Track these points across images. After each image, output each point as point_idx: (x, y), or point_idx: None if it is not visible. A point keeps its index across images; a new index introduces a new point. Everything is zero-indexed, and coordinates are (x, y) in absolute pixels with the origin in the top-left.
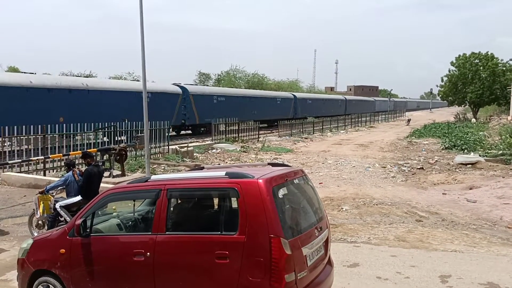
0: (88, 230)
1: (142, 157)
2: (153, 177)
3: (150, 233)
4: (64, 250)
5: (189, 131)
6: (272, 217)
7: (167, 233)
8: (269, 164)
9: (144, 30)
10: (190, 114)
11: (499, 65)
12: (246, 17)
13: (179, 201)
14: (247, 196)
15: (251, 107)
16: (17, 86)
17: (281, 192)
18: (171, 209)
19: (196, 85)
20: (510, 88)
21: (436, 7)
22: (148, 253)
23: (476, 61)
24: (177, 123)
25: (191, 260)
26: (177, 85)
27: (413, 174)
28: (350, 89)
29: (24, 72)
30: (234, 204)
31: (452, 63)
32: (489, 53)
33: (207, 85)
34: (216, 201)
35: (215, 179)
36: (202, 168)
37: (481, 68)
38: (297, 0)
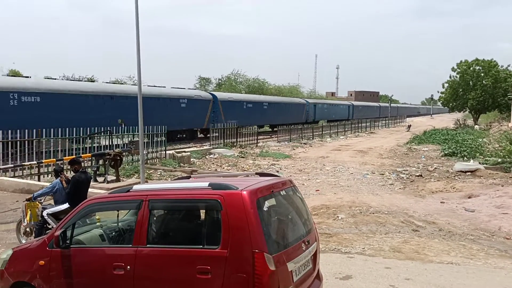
0: (68, 242)
1: (138, 162)
2: (135, 187)
3: (131, 245)
4: (43, 262)
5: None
6: (255, 230)
7: (148, 246)
8: (257, 174)
9: (140, 35)
10: (219, 118)
11: (500, 72)
12: (247, 23)
13: (161, 213)
14: (230, 208)
15: (270, 112)
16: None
17: (267, 204)
18: (153, 220)
19: (223, 92)
20: (511, 95)
21: (435, 14)
22: (129, 267)
23: (478, 67)
24: (208, 127)
25: (172, 275)
26: (208, 92)
27: (411, 181)
28: (351, 95)
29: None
30: (217, 217)
31: (453, 69)
32: (492, 60)
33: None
34: (198, 213)
35: (198, 190)
36: (189, 177)
37: (483, 75)
38: (297, 6)
